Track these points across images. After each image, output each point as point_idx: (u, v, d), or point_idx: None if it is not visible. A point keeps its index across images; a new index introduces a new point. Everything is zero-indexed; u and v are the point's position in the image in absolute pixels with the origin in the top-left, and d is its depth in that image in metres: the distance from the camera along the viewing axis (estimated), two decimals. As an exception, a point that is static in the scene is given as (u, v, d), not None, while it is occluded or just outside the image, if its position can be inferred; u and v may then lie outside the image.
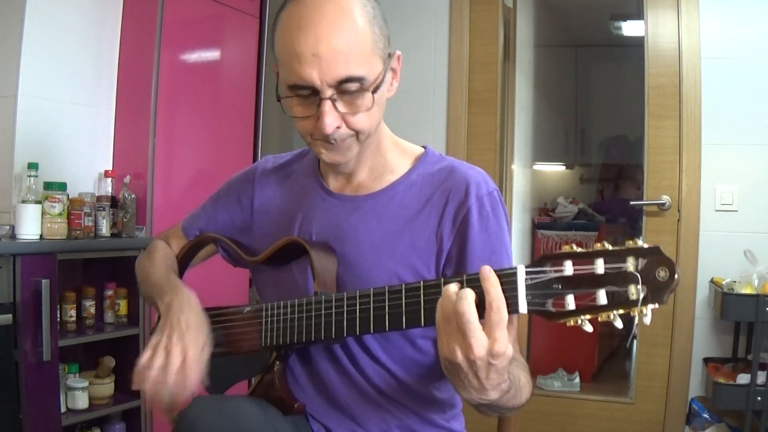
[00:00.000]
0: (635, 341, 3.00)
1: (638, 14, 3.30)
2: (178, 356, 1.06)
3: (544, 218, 4.28)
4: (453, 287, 0.88)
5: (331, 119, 1.06)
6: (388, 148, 1.23)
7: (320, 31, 1.04)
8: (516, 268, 0.87)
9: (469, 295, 0.85)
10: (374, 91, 1.08)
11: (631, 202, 3.02)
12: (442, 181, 1.18)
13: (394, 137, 1.26)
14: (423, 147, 1.27)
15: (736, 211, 2.76)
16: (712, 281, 2.72)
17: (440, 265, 1.16)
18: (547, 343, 3.57)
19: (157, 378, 1.05)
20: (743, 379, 2.42)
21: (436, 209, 1.16)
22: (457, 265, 1.14)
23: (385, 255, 1.16)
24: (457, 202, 1.15)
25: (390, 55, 1.14)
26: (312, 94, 1.07)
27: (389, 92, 1.16)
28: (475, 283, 0.88)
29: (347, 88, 1.06)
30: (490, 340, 0.84)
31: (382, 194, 1.20)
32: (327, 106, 1.05)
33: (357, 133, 1.11)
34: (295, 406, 1.16)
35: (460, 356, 0.85)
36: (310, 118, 1.08)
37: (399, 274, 1.15)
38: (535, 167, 4.54)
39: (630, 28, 4.36)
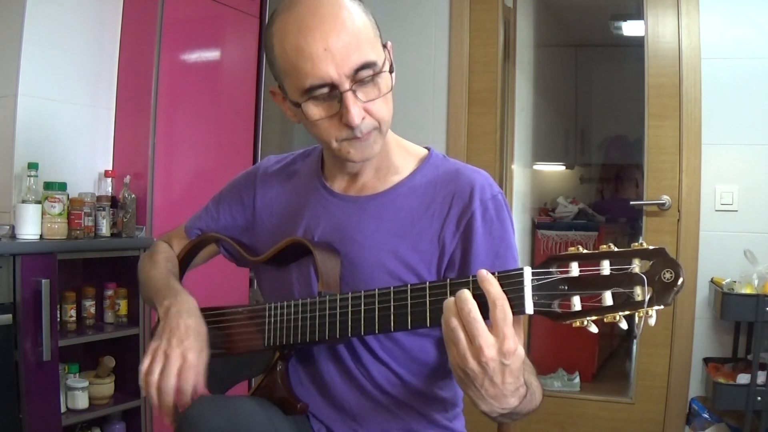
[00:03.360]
0: (635, 341, 3.01)
1: (638, 14, 3.30)
2: (177, 360, 1.07)
3: (544, 218, 4.28)
4: (452, 300, 0.88)
5: (356, 110, 1.06)
6: (393, 148, 1.24)
7: (325, 26, 1.04)
8: (523, 269, 0.87)
9: (468, 294, 0.86)
10: (391, 71, 1.10)
11: (631, 202, 3.02)
12: (446, 184, 1.18)
13: (397, 137, 1.26)
14: (427, 148, 1.27)
15: (736, 211, 2.76)
16: (712, 281, 2.72)
17: (441, 269, 1.16)
18: (547, 343, 3.58)
19: (158, 383, 1.06)
20: (743, 379, 2.42)
21: (440, 213, 1.16)
22: (460, 269, 1.14)
23: (387, 256, 1.16)
24: (461, 206, 1.15)
25: (384, 45, 1.14)
26: (330, 92, 1.06)
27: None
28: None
29: (362, 77, 1.06)
30: (499, 338, 0.84)
31: (385, 195, 1.20)
32: (350, 97, 1.05)
33: (380, 125, 1.11)
34: (298, 406, 1.15)
35: (471, 361, 0.85)
36: (333, 118, 1.08)
37: (400, 276, 1.15)
38: (535, 167, 4.54)
39: (630, 28, 4.36)
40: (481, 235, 1.13)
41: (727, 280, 2.59)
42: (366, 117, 1.09)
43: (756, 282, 2.44)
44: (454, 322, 0.86)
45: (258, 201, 1.34)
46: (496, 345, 0.84)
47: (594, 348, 3.73)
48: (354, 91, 1.06)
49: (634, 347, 3.04)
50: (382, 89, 1.09)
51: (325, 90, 1.06)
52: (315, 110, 1.09)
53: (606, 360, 4.03)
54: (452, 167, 1.22)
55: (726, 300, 2.42)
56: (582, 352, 3.58)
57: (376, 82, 1.09)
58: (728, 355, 2.73)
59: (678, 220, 2.82)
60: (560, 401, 3.07)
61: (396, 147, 1.24)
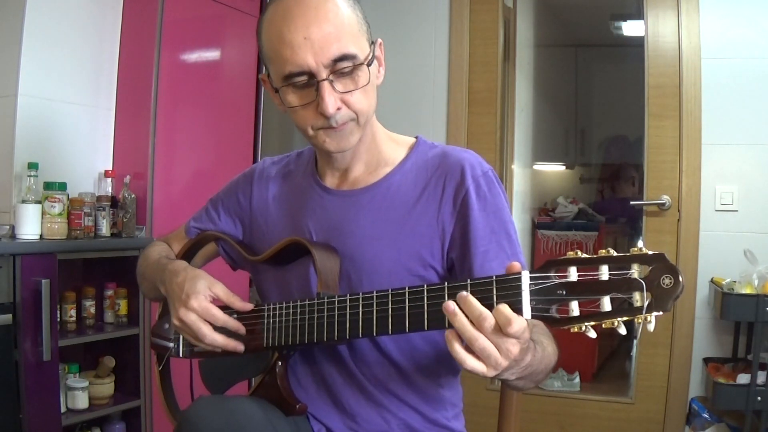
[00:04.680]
0: (635, 342, 3.01)
1: (638, 14, 3.29)
2: (190, 316, 1.14)
3: (544, 218, 4.28)
4: (466, 323, 0.88)
5: (331, 100, 1.09)
6: (383, 142, 1.26)
7: (308, 15, 1.08)
8: (521, 274, 0.87)
9: (486, 312, 0.86)
10: (369, 65, 1.12)
11: (632, 202, 3.02)
12: (437, 166, 1.20)
13: (388, 132, 1.29)
14: (415, 137, 1.29)
15: (736, 211, 2.76)
16: (712, 281, 2.72)
17: (444, 250, 1.17)
18: (547, 343, 3.57)
19: (206, 343, 1.15)
20: (743, 379, 2.42)
21: (434, 194, 1.18)
22: (461, 246, 1.15)
23: (388, 246, 1.17)
24: (454, 185, 1.17)
25: (373, 42, 1.17)
26: (308, 81, 1.10)
27: (378, 79, 1.19)
28: (478, 287, 0.89)
29: (342, 68, 1.09)
30: (512, 339, 0.86)
31: (379, 186, 1.22)
32: (326, 86, 1.08)
33: (357, 116, 1.13)
34: (297, 407, 1.16)
35: (504, 363, 0.87)
36: (309, 106, 1.11)
37: (404, 262, 1.16)
38: (535, 167, 4.54)
39: (630, 28, 4.35)
40: (477, 211, 1.15)
41: (727, 280, 2.59)
42: (342, 107, 1.11)
43: (756, 282, 2.43)
44: (483, 342, 0.87)
45: (254, 202, 1.35)
46: (518, 344, 0.87)
47: (594, 348, 3.73)
48: (331, 81, 1.09)
49: (634, 347, 3.04)
50: (360, 82, 1.11)
51: (304, 78, 1.09)
52: (293, 97, 1.12)
53: (606, 360, 4.03)
54: (440, 150, 1.24)
55: (726, 300, 2.42)
56: (582, 352, 3.57)
57: (356, 75, 1.11)
58: (728, 355, 2.73)
59: (678, 220, 2.82)
60: (560, 401, 3.07)
61: (387, 141, 1.26)
